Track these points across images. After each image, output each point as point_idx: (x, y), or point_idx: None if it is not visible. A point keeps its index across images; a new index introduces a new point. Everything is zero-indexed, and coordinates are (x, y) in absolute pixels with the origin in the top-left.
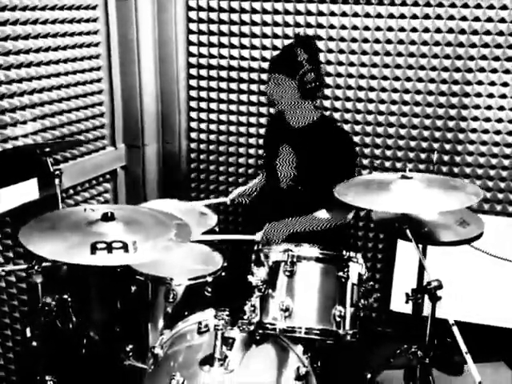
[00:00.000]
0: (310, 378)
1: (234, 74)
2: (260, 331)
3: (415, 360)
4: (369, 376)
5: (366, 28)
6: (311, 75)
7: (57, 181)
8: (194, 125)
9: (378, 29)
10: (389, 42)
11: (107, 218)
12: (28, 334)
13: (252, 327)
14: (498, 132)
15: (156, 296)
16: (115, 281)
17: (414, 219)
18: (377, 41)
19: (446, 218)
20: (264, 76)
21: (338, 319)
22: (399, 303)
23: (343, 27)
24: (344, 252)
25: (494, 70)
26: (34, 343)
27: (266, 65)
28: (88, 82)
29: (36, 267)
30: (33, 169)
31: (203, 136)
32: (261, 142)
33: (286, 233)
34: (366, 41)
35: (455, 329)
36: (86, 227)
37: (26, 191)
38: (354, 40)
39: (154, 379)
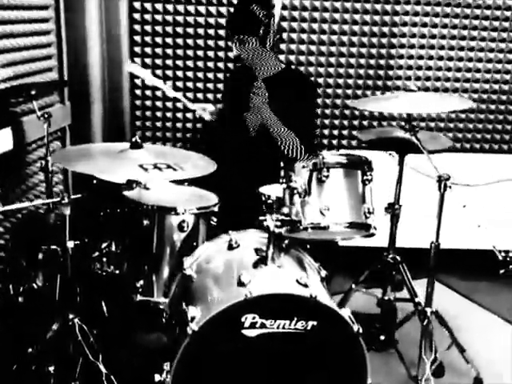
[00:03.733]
0: (325, 280)
1: (179, 30)
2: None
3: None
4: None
5: None
6: (273, 28)
7: (45, 125)
8: (138, 82)
9: None
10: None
11: (137, 145)
12: (11, 291)
13: (302, 227)
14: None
15: (170, 227)
16: (126, 216)
17: (397, 138)
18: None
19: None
20: (210, 31)
21: (367, 215)
22: None
23: None
24: (363, 158)
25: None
26: (20, 299)
27: (212, 20)
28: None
29: (65, 199)
30: (6, 117)
31: (148, 92)
32: (210, 96)
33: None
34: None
35: None
36: (118, 154)
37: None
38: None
39: (195, 296)
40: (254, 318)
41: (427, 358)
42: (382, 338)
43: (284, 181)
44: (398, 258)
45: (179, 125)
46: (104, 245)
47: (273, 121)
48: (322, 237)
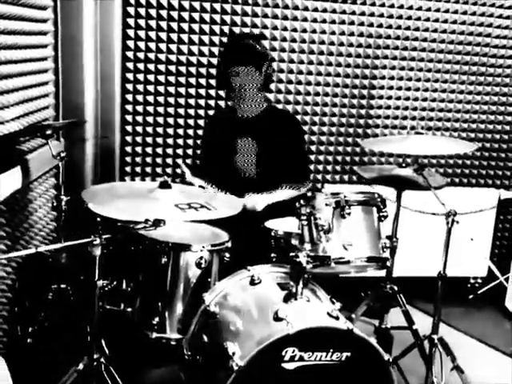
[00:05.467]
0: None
1: (172, 68)
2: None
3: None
4: None
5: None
6: (271, 68)
7: (61, 164)
8: (129, 118)
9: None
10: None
11: (166, 185)
12: (19, 332)
13: (328, 262)
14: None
15: (186, 264)
16: (141, 254)
17: (396, 176)
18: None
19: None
20: (202, 70)
21: (384, 249)
22: None
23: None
24: (377, 195)
25: (394, 67)
26: (29, 340)
27: (204, 59)
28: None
29: (97, 240)
30: (16, 156)
31: (139, 129)
32: (199, 132)
33: (265, 202)
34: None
35: None
36: (148, 194)
37: (11, 180)
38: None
39: (224, 332)
40: (293, 351)
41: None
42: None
43: (305, 218)
44: (396, 288)
45: (169, 160)
46: (106, 282)
47: (262, 161)
48: (340, 270)
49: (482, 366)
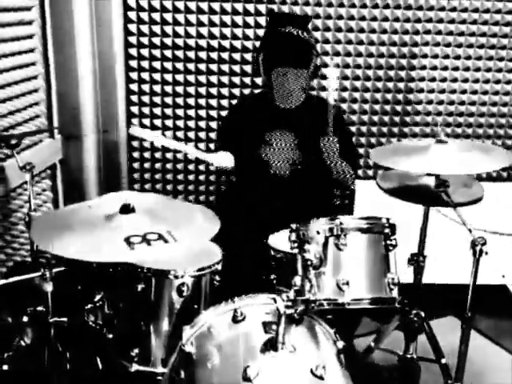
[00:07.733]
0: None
1: (179, 54)
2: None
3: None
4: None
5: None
6: (318, 61)
7: (27, 176)
8: (134, 110)
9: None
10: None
11: (127, 210)
12: None
13: (317, 305)
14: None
15: (168, 290)
16: (119, 282)
17: (423, 188)
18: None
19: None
20: (213, 54)
21: (391, 286)
22: None
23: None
24: (384, 220)
25: (437, 44)
26: (5, 367)
27: (215, 42)
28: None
29: (47, 274)
30: None
31: (146, 121)
32: (212, 124)
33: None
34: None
35: None
36: (105, 222)
37: None
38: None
39: (195, 381)
40: None
41: None
42: None
43: (295, 246)
44: (422, 314)
45: (180, 156)
46: (98, 297)
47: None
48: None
49: None
